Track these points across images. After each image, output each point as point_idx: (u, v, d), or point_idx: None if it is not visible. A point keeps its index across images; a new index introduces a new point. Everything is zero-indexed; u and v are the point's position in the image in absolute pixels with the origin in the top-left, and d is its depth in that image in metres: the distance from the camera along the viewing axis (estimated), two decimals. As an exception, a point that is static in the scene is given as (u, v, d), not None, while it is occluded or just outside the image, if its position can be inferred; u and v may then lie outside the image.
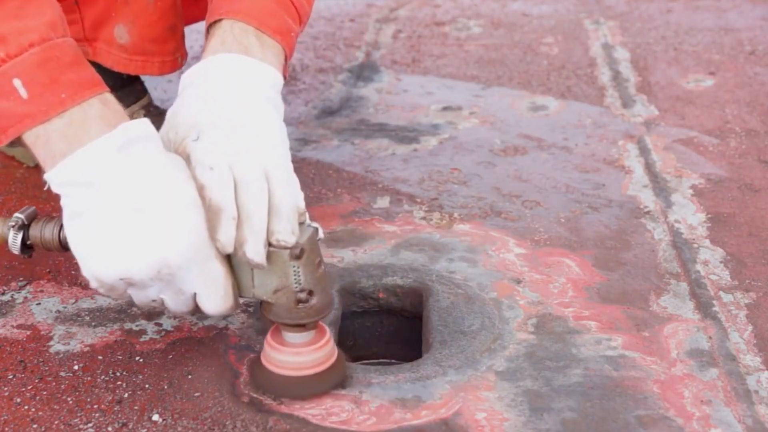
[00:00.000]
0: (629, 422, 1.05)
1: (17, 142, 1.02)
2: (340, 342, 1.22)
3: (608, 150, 1.70)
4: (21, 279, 1.30)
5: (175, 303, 1.05)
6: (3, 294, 1.27)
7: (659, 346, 1.18)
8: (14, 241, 1.07)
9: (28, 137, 1.00)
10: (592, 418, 1.05)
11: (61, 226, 1.06)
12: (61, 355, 1.15)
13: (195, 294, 1.03)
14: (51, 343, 1.17)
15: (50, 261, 1.34)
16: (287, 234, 1.01)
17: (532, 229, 1.44)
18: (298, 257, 1.01)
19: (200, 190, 1.01)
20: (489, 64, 2.10)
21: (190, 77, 1.11)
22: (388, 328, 1.29)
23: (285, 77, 1.16)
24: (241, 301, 1.09)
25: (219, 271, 1.02)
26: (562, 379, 1.11)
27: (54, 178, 1.00)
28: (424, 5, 2.50)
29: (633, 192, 1.55)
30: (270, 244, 1.01)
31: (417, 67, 2.09)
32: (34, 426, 1.04)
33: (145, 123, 1.03)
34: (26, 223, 1.08)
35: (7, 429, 1.04)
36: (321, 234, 1.06)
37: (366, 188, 1.56)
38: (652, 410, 1.06)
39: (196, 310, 1.06)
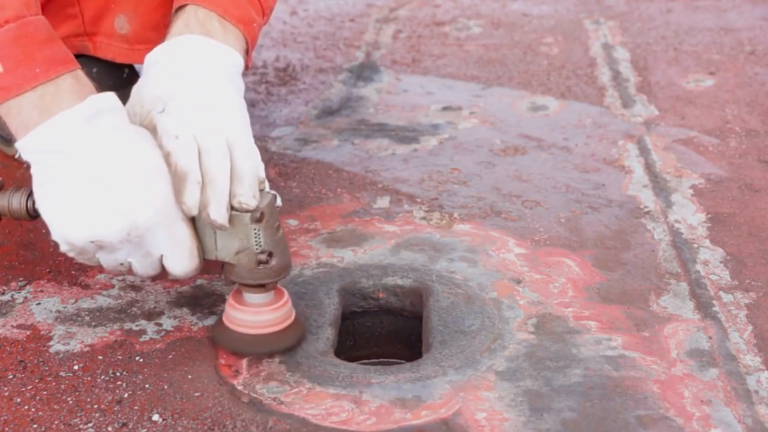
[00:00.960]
0: (629, 422, 1.05)
1: None
2: (340, 342, 1.22)
3: (608, 150, 1.70)
4: (21, 279, 1.30)
5: (143, 266, 1.09)
6: (3, 294, 1.27)
7: (659, 346, 1.18)
8: None
9: (2, 108, 1.04)
10: (592, 418, 1.05)
11: (29, 195, 1.10)
12: (61, 355, 1.15)
13: (162, 256, 1.09)
14: (51, 343, 1.17)
15: (50, 261, 1.34)
16: (249, 197, 1.08)
17: (532, 229, 1.44)
18: (258, 220, 1.08)
19: (166, 157, 1.07)
20: (489, 64, 2.10)
21: (155, 56, 1.16)
22: (388, 328, 1.29)
23: (247, 67, 1.21)
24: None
25: (185, 233, 1.08)
26: (562, 379, 1.11)
27: (25, 146, 1.05)
28: (424, 5, 2.50)
29: (633, 192, 1.55)
30: (232, 208, 1.08)
31: (417, 67, 2.09)
32: (34, 426, 1.04)
33: (111, 96, 1.08)
34: None
35: (7, 429, 1.04)
36: (279, 201, 1.13)
37: (366, 188, 1.56)
38: (652, 410, 1.07)
39: (162, 273, 1.11)
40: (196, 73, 1.13)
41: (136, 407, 1.07)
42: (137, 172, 1.05)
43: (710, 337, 1.19)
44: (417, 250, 1.37)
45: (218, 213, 1.06)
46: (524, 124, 1.80)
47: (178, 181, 1.06)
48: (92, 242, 1.05)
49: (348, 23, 2.37)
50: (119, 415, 1.05)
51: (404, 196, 1.53)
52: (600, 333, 1.20)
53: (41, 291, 1.28)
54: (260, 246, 1.09)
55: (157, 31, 1.10)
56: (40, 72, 1.04)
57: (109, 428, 1.04)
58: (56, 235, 1.07)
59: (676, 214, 1.48)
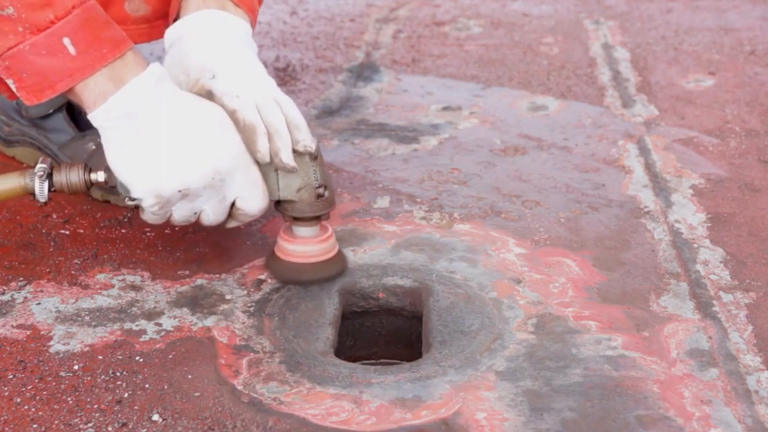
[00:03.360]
0: (629, 422, 1.05)
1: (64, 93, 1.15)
2: (340, 342, 1.23)
3: (608, 150, 1.70)
4: (21, 279, 1.30)
5: (215, 212, 1.21)
6: (3, 294, 1.27)
7: (659, 346, 1.18)
8: (41, 189, 1.21)
9: (78, 86, 1.14)
10: (592, 418, 1.05)
11: (88, 170, 1.22)
12: (61, 355, 1.15)
13: (234, 201, 1.20)
14: (51, 343, 1.17)
15: (50, 261, 1.34)
16: (309, 141, 1.22)
17: (532, 229, 1.44)
18: (315, 158, 1.22)
19: (232, 114, 1.19)
20: (489, 64, 2.10)
21: (180, 30, 1.28)
22: (388, 328, 1.29)
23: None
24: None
25: (258, 174, 1.20)
26: (562, 379, 1.11)
27: (102, 115, 1.15)
28: (424, 5, 2.50)
29: (633, 192, 1.55)
30: (295, 151, 1.21)
31: (417, 67, 2.09)
32: (34, 426, 1.04)
33: (162, 66, 1.19)
34: (50, 171, 1.21)
35: (7, 429, 1.04)
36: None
37: (366, 188, 1.56)
38: (652, 410, 1.07)
39: (229, 221, 1.24)
40: (227, 43, 1.26)
41: (136, 407, 1.07)
42: (211, 123, 1.17)
43: (710, 337, 1.19)
44: (417, 250, 1.37)
45: (288, 157, 1.20)
46: (524, 124, 1.80)
47: (249, 134, 1.19)
48: (180, 191, 1.16)
49: (348, 23, 2.37)
50: (119, 415, 1.05)
51: (404, 196, 1.53)
52: (600, 333, 1.20)
53: (41, 291, 1.28)
54: (318, 180, 1.22)
55: (164, 17, 1.18)
56: (107, 51, 1.13)
57: (109, 428, 1.04)
58: (143, 190, 1.16)
59: (676, 214, 1.48)
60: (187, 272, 1.32)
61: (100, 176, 1.22)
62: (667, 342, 1.18)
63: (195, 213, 1.21)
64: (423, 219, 1.46)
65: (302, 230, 1.26)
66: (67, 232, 1.41)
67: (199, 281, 1.30)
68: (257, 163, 1.20)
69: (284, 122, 1.21)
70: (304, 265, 1.26)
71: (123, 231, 1.42)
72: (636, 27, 2.33)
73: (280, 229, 1.28)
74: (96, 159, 1.48)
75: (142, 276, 1.31)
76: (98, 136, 1.49)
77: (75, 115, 1.51)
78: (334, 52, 2.18)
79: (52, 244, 1.38)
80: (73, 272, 1.32)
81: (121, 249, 1.38)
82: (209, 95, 1.21)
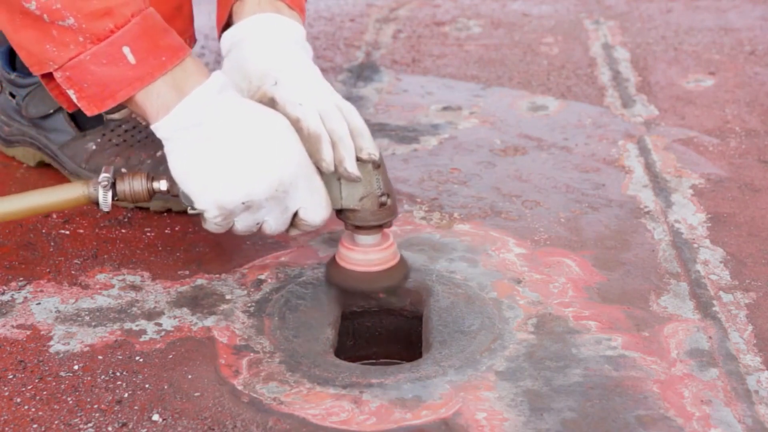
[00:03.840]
0: (629, 422, 1.05)
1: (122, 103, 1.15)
2: (340, 342, 1.22)
3: (608, 150, 1.70)
4: (21, 279, 1.30)
5: (278, 222, 1.20)
6: (3, 294, 1.27)
7: (659, 346, 1.18)
8: (105, 199, 1.21)
9: (139, 95, 1.14)
10: (592, 418, 1.05)
11: (150, 178, 1.22)
12: (61, 355, 1.15)
13: (297, 211, 1.19)
14: (51, 343, 1.17)
15: (50, 261, 1.34)
16: (373, 149, 1.20)
17: (532, 229, 1.44)
18: (378, 167, 1.21)
19: (295, 123, 1.18)
20: (489, 64, 2.10)
21: (236, 35, 1.27)
22: (388, 328, 1.29)
23: None
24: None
25: (320, 184, 1.19)
26: (562, 379, 1.11)
27: (166, 126, 1.14)
28: (424, 5, 2.50)
29: (633, 192, 1.55)
30: (358, 159, 1.20)
31: (417, 67, 2.09)
32: (34, 426, 1.04)
33: (223, 74, 1.18)
34: (113, 181, 1.22)
35: (7, 429, 1.04)
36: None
37: (366, 188, 1.56)
38: (652, 410, 1.07)
39: (290, 229, 1.22)
40: (286, 48, 1.25)
41: (136, 407, 1.07)
42: (274, 133, 1.16)
43: (710, 337, 1.19)
44: (417, 250, 1.37)
45: (353, 166, 1.18)
46: (524, 124, 1.80)
47: (313, 142, 1.17)
48: (243, 203, 1.16)
49: (348, 23, 2.37)
50: (119, 415, 1.05)
51: (404, 196, 1.53)
52: (600, 333, 1.20)
53: (41, 291, 1.28)
54: (381, 189, 1.21)
55: (168, 21, 1.17)
56: (167, 59, 1.13)
57: (109, 428, 1.04)
58: (206, 202, 1.16)
59: (676, 214, 1.48)
60: (187, 272, 1.32)
61: (162, 185, 1.22)
62: (667, 342, 1.18)
63: (257, 223, 1.20)
64: (423, 219, 1.46)
65: (364, 239, 1.24)
66: (67, 232, 1.41)
67: (199, 281, 1.30)
68: (320, 172, 1.19)
69: (347, 130, 1.20)
70: (367, 273, 1.25)
71: (123, 231, 1.42)
72: (636, 27, 2.33)
73: (341, 236, 1.27)
74: (96, 159, 1.49)
75: (142, 276, 1.31)
76: (98, 136, 1.50)
77: (75, 114, 1.51)
78: (334, 52, 2.18)
79: (52, 244, 1.38)
80: (73, 272, 1.32)
81: (121, 249, 1.38)
82: (272, 102, 1.20)
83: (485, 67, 2.09)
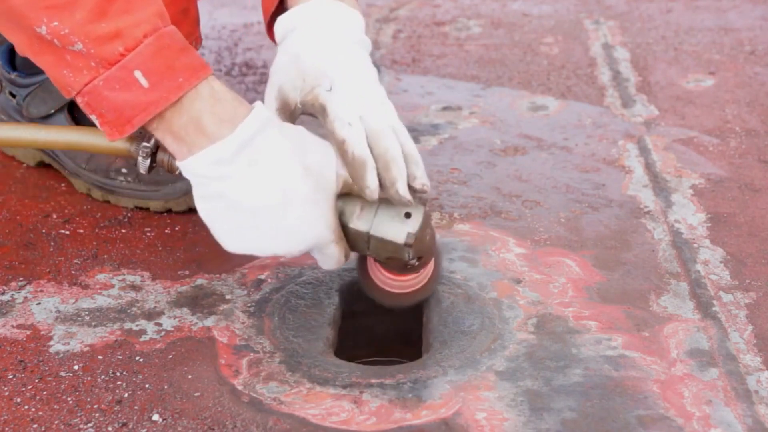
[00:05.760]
0: (629, 422, 1.05)
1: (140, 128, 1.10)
2: (341, 342, 1.22)
3: (608, 150, 1.70)
4: (21, 279, 1.30)
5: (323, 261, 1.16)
6: (3, 294, 1.27)
7: (659, 346, 1.18)
8: (144, 164, 1.15)
9: (157, 131, 1.09)
10: (592, 418, 1.05)
11: None
12: (61, 355, 1.15)
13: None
14: (51, 343, 1.17)
15: (50, 261, 1.34)
16: (425, 178, 1.13)
17: (532, 229, 1.44)
18: (409, 245, 1.12)
19: (340, 144, 1.12)
20: (489, 64, 2.10)
21: (293, 21, 1.20)
22: (388, 328, 1.29)
23: None
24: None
25: (334, 252, 1.13)
26: (562, 379, 1.11)
27: (183, 168, 1.10)
28: (424, 5, 2.50)
29: (633, 192, 1.55)
30: (410, 186, 1.12)
31: (417, 67, 2.09)
32: (34, 426, 1.04)
33: (258, 114, 1.09)
34: (155, 150, 1.15)
35: (7, 429, 1.04)
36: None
37: (366, 188, 1.56)
38: (652, 410, 1.07)
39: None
40: (345, 45, 1.19)
41: (136, 407, 1.07)
42: (287, 205, 1.09)
43: (710, 337, 1.19)
44: (417, 250, 1.37)
45: (404, 189, 1.11)
46: (524, 124, 1.80)
47: (357, 167, 1.11)
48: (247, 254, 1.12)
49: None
50: (119, 415, 1.05)
51: (404, 196, 1.53)
52: (600, 333, 1.20)
53: (41, 291, 1.28)
54: (411, 257, 1.13)
55: (179, 23, 1.13)
56: (184, 81, 1.06)
57: (109, 428, 1.04)
58: (228, 248, 1.13)
59: (676, 214, 1.48)
60: (187, 272, 1.32)
61: None
62: (667, 342, 1.18)
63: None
64: (423, 219, 1.46)
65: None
66: (67, 232, 1.41)
67: (199, 281, 1.30)
68: (345, 230, 1.13)
69: (401, 152, 1.12)
70: (400, 294, 1.20)
71: (123, 231, 1.42)
72: (636, 27, 2.33)
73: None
74: (97, 159, 1.49)
75: (142, 276, 1.31)
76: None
77: (76, 115, 1.51)
78: (334, 52, 2.17)
79: (52, 244, 1.38)
80: (73, 272, 1.32)
81: (121, 249, 1.38)
82: (322, 111, 1.15)
83: (485, 67, 2.09)
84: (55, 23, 1.04)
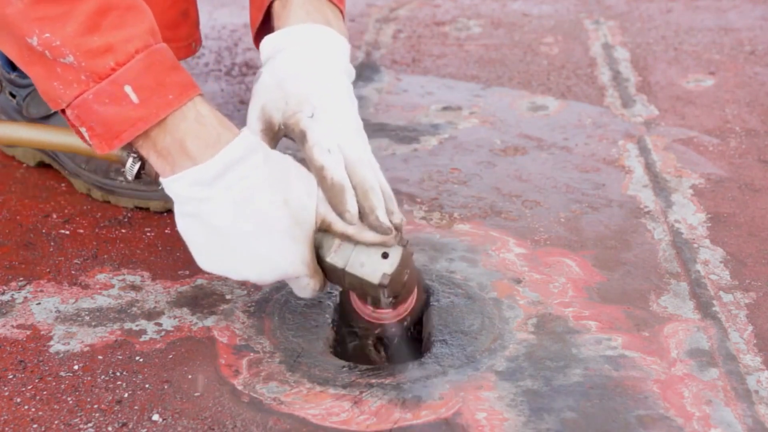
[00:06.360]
0: (629, 422, 1.05)
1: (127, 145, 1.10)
2: (340, 342, 1.22)
3: (608, 150, 1.70)
4: (21, 279, 1.30)
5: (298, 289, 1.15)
6: (3, 294, 1.27)
7: (659, 346, 1.18)
8: (131, 169, 1.15)
9: (142, 148, 1.09)
10: (592, 418, 1.05)
11: None
12: (61, 355, 1.15)
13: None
14: (51, 343, 1.17)
15: (50, 261, 1.34)
16: (401, 214, 1.13)
17: (532, 229, 1.44)
18: (384, 285, 1.10)
19: (319, 170, 1.12)
20: (489, 64, 2.10)
21: (280, 43, 1.20)
22: (388, 328, 1.29)
23: None
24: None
25: (309, 284, 1.13)
26: (562, 379, 1.11)
27: (165, 185, 1.10)
28: (424, 5, 2.50)
29: (633, 192, 1.55)
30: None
31: (417, 67, 2.09)
32: (34, 426, 1.04)
33: (243, 141, 1.09)
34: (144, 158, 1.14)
35: (7, 429, 1.04)
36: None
37: (366, 188, 1.56)
38: (652, 410, 1.07)
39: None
40: (332, 74, 1.19)
41: (136, 407, 1.07)
42: (263, 234, 1.09)
43: (710, 337, 1.19)
44: (417, 250, 1.37)
45: (384, 216, 1.10)
46: (524, 124, 1.80)
47: (336, 192, 1.11)
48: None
49: (348, 23, 2.37)
50: (119, 415, 1.05)
51: (404, 196, 1.53)
52: (600, 333, 1.20)
53: (41, 291, 1.28)
54: (385, 295, 1.12)
55: (170, 30, 1.11)
56: (173, 98, 1.07)
57: (109, 428, 1.04)
58: (205, 268, 1.13)
59: (676, 214, 1.48)
60: (187, 272, 1.32)
61: None
62: (667, 342, 1.18)
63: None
64: (423, 219, 1.46)
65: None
66: (67, 232, 1.41)
67: (199, 281, 1.30)
68: (322, 264, 1.13)
69: (378, 181, 1.13)
70: (379, 324, 1.19)
71: (123, 231, 1.42)
72: (636, 27, 2.33)
73: None
74: (96, 160, 1.49)
75: (142, 276, 1.31)
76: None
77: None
78: (334, 52, 2.17)
79: (52, 244, 1.38)
80: (73, 272, 1.32)
81: (121, 249, 1.38)
82: (302, 137, 1.14)
83: (485, 67, 2.09)
84: (47, 35, 1.04)
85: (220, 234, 1.09)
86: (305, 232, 1.11)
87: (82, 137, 1.11)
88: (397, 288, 1.12)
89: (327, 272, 1.13)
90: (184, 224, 1.11)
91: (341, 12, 1.25)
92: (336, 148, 1.13)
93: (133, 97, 1.05)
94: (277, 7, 1.22)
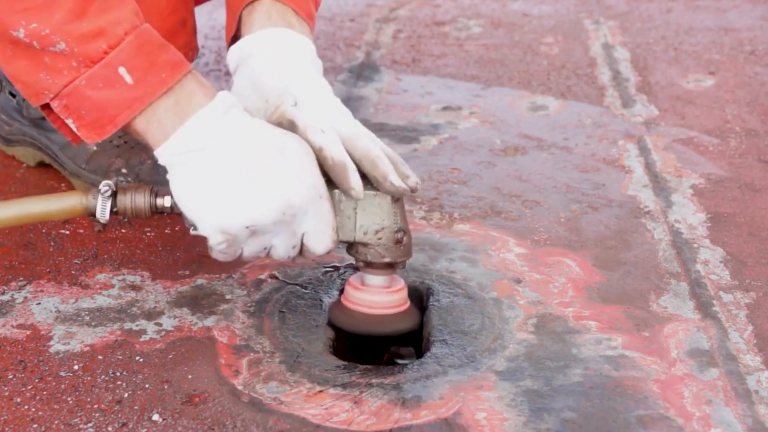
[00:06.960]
0: (629, 422, 1.05)
1: (123, 128, 1.08)
2: (340, 342, 1.22)
3: (608, 150, 1.70)
4: (21, 279, 1.30)
5: (285, 247, 1.11)
6: (3, 294, 1.27)
7: (659, 346, 1.18)
8: (103, 209, 1.13)
9: (139, 123, 1.07)
10: (592, 418, 1.05)
11: (154, 194, 1.14)
12: (61, 355, 1.15)
13: (303, 235, 1.11)
14: (51, 342, 1.17)
15: (50, 261, 1.34)
16: (414, 177, 1.14)
17: (532, 229, 1.44)
18: (398, 200, 1.13)
19: (318, 152, 1.11)
20: (489, 64, 2.10)
21: (246, 49, 1.20)
22: (388, 328, 1.29)
23: None
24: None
25: (329, 209, 1.11)
26: (562, 379, 1.11)
27: (168, 150, 1.08)
28: (424, 5, 2.50)
29: (633, 192, 1.55)
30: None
31: (417, 67, 2.09)
32: (34, 426, 1.04)
33: (231, 94, 1.12)
34: (114, 191, 1.14)
35: (7, 429, 1.04)
36: None
37: (366, 188, 1.56)
38: (652, 410, 1.07)
39: (297, 257, 1.14)
40: (301, 66, 1.19)
41: (136, 407, 1.07)
42: (285, 153, 1.09)
43: (710, 337, 1.19)
44: (417, 250, 1.36)
45: (398, 180, 1.11)
46: (524, 124, 1.80)
47: (339, 171, 1.11)
48: (247, 227, 1.08)
49: (348, 23, 2.37)
50: (119, 415, 1.05)
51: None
52: (600, 333, 1.20)
53: (41, 291, 1.28)
54: (398, 225, 1.13)
55: (168, 38, 1.11)
56: (167, 76, 1.07)
57: (109, 428, 1.04)
58: (210, 227, 1.08)
59: (676, 214, 1.48)
60: (187, 272, 1.32)
61: (167, 201, 1.13)
62: (667, 342, 1.18)
63: (265, 248, 1.11)
64: (423, 219, 1.46)
65: (374, 278, 1.16)
66: (67, 232, 1.41)
67: (199, 281, 1.30)
68: (334, 200, 1.12)
69: (382, 150, 1.13)
70: (370, 315, 1.17)
71: (123, 231, 1.42)
72: (636, 27, 2.33)
73: (349, 277, 1.19)
74: (97, 160, 1.49)
75: (142, 276, 1.31)
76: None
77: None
78: (334, 51, 2.18)
79: (52, 244, 1.38)
80: (73, 272, 1.32)
81: (121, 249, 1.38)
82: (291, 125, 1.13)
83: (485, 67, 2.09)
84: (34, 24, 1.03)
85: (232, 169, 1.07)
86: (313, 159, 1.11)
87: (67, 131, 1.10)
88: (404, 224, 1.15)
89: (337, 212, 1.13)
90: (183, 179, 1.09)
91: (309, 25, 1.25)
92: (329, 128, 1.13)
93: (128, 78, 1.05)
94: (243, 16, 1.23)
